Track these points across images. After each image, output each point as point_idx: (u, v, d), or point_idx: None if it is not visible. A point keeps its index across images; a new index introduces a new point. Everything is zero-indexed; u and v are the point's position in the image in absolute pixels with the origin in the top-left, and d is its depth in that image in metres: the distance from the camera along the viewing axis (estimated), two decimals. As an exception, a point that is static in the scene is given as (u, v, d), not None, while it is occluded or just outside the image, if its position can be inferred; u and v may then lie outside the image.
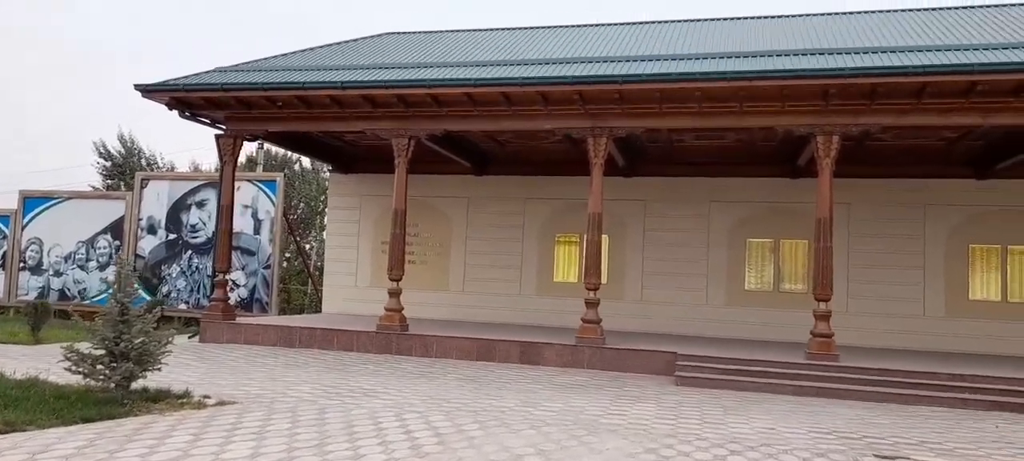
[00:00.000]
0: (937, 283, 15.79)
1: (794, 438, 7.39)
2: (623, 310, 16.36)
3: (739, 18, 14.51)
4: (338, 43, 17.01)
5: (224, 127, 14.88)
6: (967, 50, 11.11)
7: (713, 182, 16.94)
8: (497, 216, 17.99)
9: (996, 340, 15.08)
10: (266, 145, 27.61)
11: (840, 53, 11.74)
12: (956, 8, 13.00)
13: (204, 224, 19.45)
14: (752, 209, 16.76)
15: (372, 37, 17.56)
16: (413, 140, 13.59)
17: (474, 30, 17.02)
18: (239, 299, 19.08)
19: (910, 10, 13.14)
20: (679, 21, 15.35)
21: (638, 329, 16.18)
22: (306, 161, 34.31)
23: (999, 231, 15.53)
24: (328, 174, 21.06)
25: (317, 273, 23.96)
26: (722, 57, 12.24)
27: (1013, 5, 14.91)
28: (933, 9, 12.97)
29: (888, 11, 13.30)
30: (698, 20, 15.81)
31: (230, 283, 18.85)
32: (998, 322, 15.26)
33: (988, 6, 12.62)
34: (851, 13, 13.51)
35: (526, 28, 17.93)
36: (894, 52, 11.45)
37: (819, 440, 7.33)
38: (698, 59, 12.29)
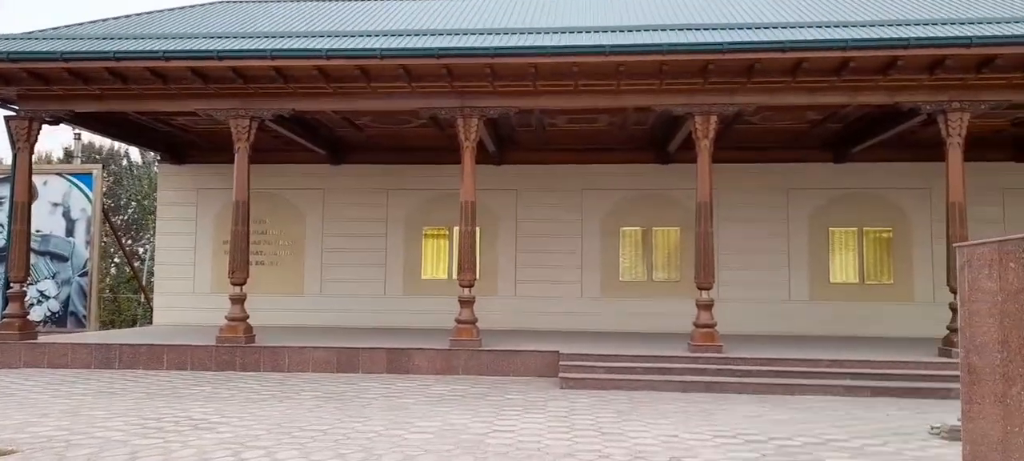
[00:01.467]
0: (801, 267, 16.02)
1: (701, 448, 6.59)
2: (497, 307, 15.33)
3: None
4: (161, 11, 14.69)
5: (16, 107, 12.29)
6: (840, 27, 10.98)
7: (585, 169, 16.31)
8: (357, 209, 16.38)
9: (856, 321, 15.47)
10: (86, 135, 24.11)
11: (718, 29, 11.30)
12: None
13: (2, 226, 16.34)
14: (624, 197, 16.30)
15: (203, 5, 15.34)
16: (255, 122, 11.77)
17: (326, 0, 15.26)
18: (49, 313, 16.23)
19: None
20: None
21: (514, 327, 15.21)
22: (137, 154, 30.69)
23: (856, 214, 15.98)
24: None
25: (152, 280, 21.14)
26: (598, 31, 11.45)
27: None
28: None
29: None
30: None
31: (37, 295, 16.07)
32: (857, 303, 15.69)
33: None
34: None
35: (387, -2, 16.30)
36: (770, 28, 11.14)
37: (728, 449, 6.57)
38: (574, 33, 11.42)
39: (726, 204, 15.81)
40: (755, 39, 10.51)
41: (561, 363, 10.59)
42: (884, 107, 12.17)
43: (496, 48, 10.71)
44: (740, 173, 16.01)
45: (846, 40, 10.26)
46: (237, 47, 10.97)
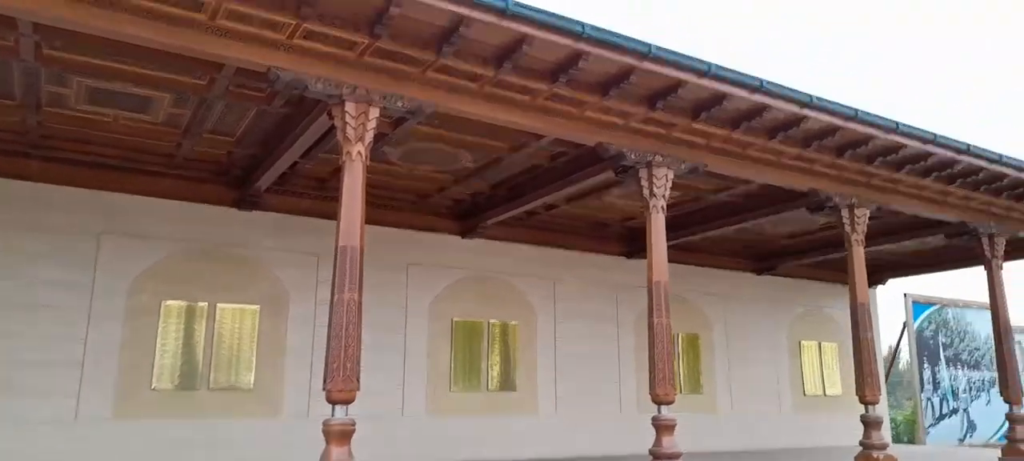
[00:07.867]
0: (419, 370, 12.10)
1: None
2: None
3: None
4: None
5: None
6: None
7: (109, 199, 9.95)
8: None
9: (476, 441, 12.12)
10: None
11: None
12: None
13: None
14: (176, 251, 10.34)
15: None
16: None
17: None
18: None
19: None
20: None
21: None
22: None
23: (483, 303, 12.89)
24: None
25: None
26: None
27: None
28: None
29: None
30: None
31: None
32: (479, 418, 12.36)
33: None
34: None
35: None
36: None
37: None
38: None
39: (319, 279, 10.93)
40: (467, -12, 6.45)
41: None
42: (575, 149, 9.35)
43: None
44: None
45: (583, 26, 6.95)
46: None
